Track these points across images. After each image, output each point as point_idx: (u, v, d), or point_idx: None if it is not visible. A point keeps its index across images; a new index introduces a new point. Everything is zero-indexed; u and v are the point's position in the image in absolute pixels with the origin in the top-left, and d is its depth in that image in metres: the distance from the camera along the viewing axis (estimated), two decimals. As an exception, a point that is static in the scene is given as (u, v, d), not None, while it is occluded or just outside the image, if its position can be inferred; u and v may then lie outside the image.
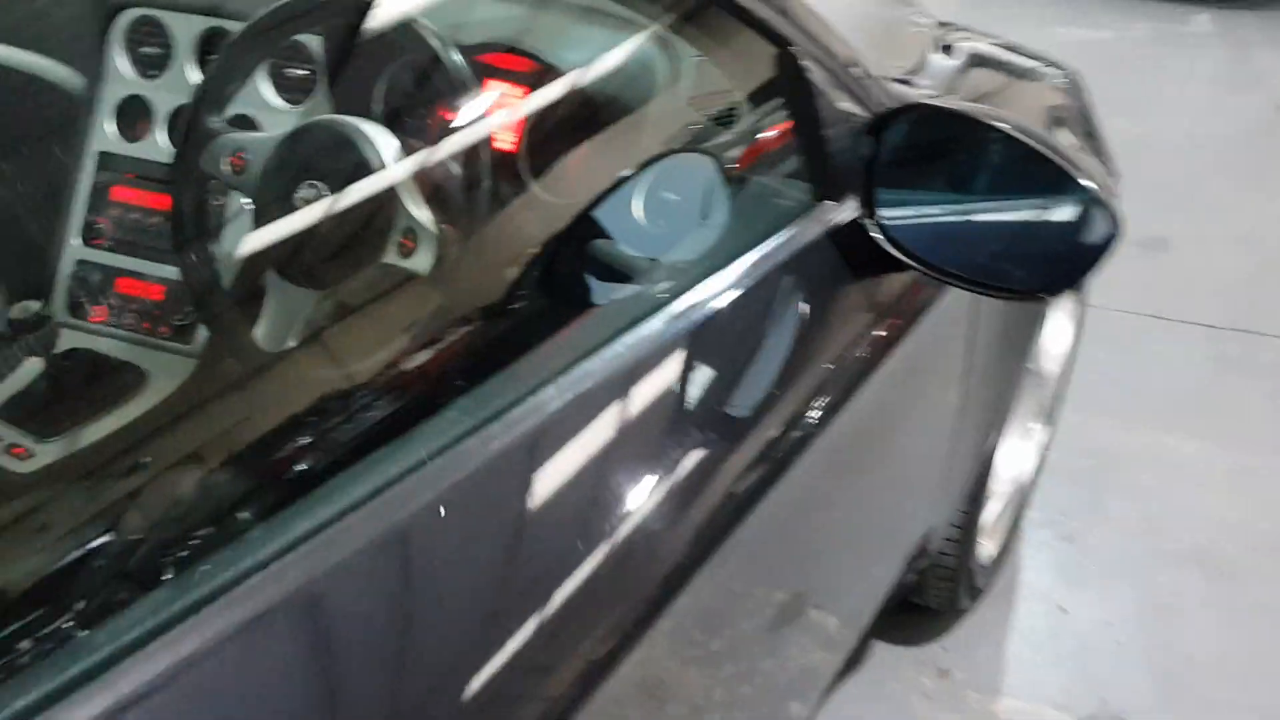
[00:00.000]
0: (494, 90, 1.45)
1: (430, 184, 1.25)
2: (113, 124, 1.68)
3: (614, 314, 1.12)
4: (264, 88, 1.47)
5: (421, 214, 1.24)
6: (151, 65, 1.65)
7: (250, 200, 1.32)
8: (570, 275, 1.26)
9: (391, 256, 1.25)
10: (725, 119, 1.44)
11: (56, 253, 1.71)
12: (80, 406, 1.63)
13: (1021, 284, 1.33)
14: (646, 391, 1.06)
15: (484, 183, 1.30)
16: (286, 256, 1.29)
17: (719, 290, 1.16)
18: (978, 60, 2.07)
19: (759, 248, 1.25)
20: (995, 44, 2.24)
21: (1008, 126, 1.28)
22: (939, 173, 1.36)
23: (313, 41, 1.53)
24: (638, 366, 1.05)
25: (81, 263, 1.69)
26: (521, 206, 1.46)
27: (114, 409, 1.61)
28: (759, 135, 1.43)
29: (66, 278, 1.70)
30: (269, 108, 1.52)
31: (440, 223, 1.23)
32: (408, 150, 1.26)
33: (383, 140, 1.25)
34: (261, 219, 1.30)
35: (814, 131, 1.31)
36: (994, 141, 1.30)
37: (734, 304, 1.17)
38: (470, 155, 1.29)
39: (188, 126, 1.35)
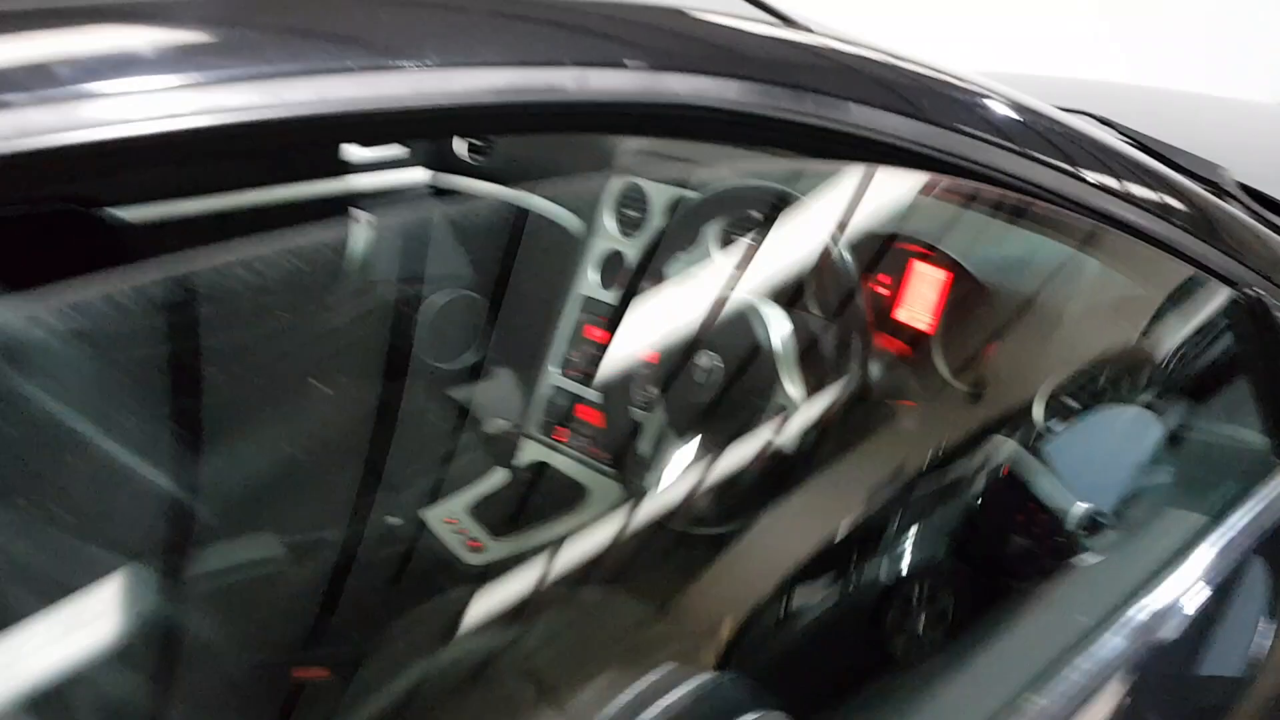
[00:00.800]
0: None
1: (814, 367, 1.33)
2: (596, 273, 1.94)
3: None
4: (713, 247, 1.64)
5: (795, 393, 1.31)
6: (630, 225, 1.89)
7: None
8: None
9: (764, 427, 1.34)
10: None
11: (536, 377, 2.01)
12: (531, 512, 1.89)
13: None
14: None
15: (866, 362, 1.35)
16: (678, 416, 1.43)
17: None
18: None
19: (1224, 523, 1.13)
20: None
21: None
22: None
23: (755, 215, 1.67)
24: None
25: (556, 389, 1.96)
26: (932, 389, 1.48)
27: (557, 518, 1.85)
28: (1190, 373, 1.31)
29: (542, 399, 1.99)
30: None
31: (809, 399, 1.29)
32: (799, 334, 1.35)
33: (776, 321, 1.35)
34: (665, 384, 1.45)
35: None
36: None
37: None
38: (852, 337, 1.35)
39: (630, 281, 1.54)
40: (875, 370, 1.42)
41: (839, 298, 1.30)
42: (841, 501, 1.45)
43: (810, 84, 0.70)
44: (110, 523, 1.17)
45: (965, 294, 1.36)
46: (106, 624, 1.09)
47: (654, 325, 1.50)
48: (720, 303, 1.44)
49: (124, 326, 0.92)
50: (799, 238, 1.34)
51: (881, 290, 1.59)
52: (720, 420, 1.39)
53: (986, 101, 0.84)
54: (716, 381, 1.37)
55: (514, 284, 2.46)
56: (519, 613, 1.60)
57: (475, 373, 2.52)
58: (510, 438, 1.89)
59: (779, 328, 1.36)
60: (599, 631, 1.51)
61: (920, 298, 1.49)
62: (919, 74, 0.80)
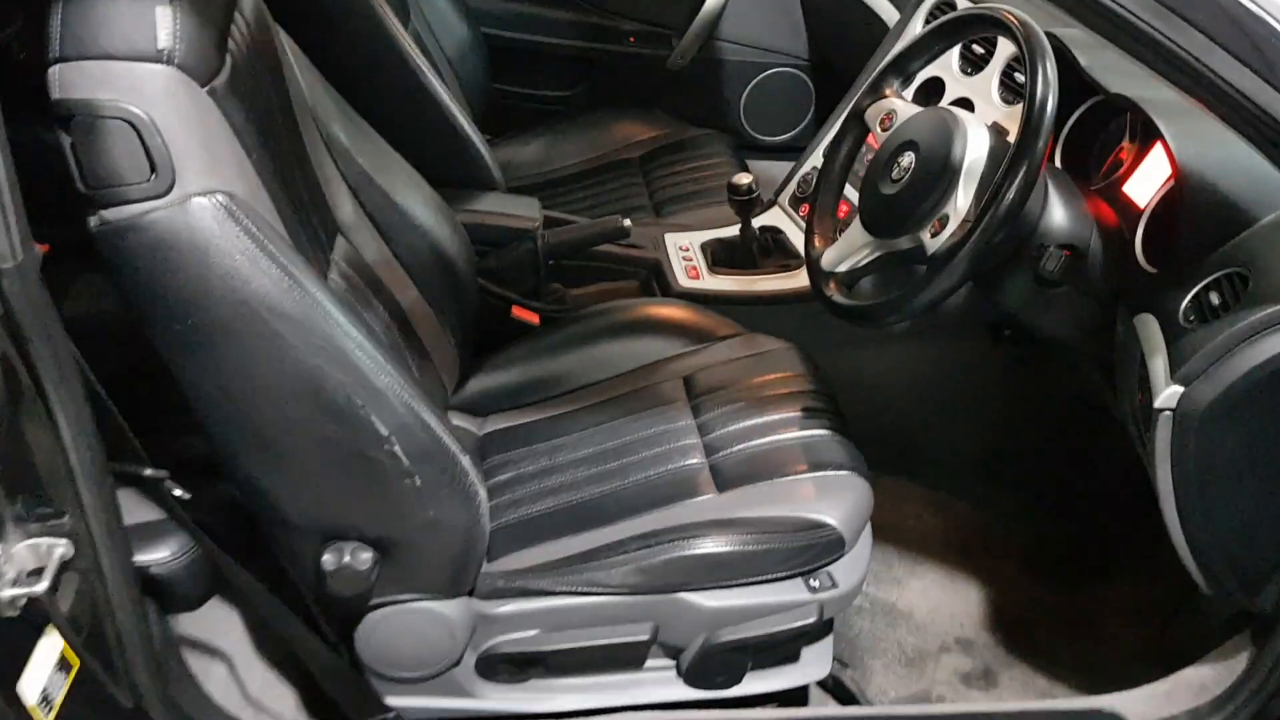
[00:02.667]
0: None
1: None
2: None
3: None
4: (954, 61, 1.64)
5: (962, 204, 1.36)
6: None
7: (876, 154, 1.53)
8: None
9: (926, 233, 1.39)
10: None
11: (802, 156, 2.13)
12: (747, 264, 2.07)
13: None
14: None
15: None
16: (869, 202, 1.50)
17: None
18: None
19: None
20: None
21: None
22: None
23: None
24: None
25: (814, 168, 2.06)
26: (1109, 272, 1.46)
27: (769, 275, 2.03)
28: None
29: (797, 175, 2.11)
30: (953, 75, 1.68)
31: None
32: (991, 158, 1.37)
33: (975, 135, 1.38)
34: (871, 172, 1.51)
35: None
36: None
37: None
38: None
39: (875, 79, 1.59)
40: (1059, 219, 1.42)
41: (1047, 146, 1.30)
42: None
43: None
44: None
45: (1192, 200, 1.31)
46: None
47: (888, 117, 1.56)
48: (941, 110, 1.48)
49: None
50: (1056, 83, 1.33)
51: (1122, 156, 1.55)
52: (894, 213, 1.45)
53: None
54: (904, 179, 1.43)
55: (833, 65, 2.53)
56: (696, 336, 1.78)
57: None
58: (759, 201, 2.02)
59: (977, 145, 1.38)
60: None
61: (1149, 180, 1.45)
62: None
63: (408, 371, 1.45)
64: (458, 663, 1.45)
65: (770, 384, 1.68)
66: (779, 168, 2.27)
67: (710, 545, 1.42)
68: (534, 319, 1.91)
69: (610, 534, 1.46)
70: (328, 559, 1.28)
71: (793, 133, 2.68)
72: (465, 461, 1.29)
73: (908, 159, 1.44)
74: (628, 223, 1.95)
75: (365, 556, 1.28)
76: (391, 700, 1.47)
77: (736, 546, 1.42)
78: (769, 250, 2.04)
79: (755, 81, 2.65)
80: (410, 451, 1.23)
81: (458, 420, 1.75)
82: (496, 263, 1.89)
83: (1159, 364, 1.27)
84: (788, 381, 1.67)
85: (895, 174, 1.45)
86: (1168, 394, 1.24)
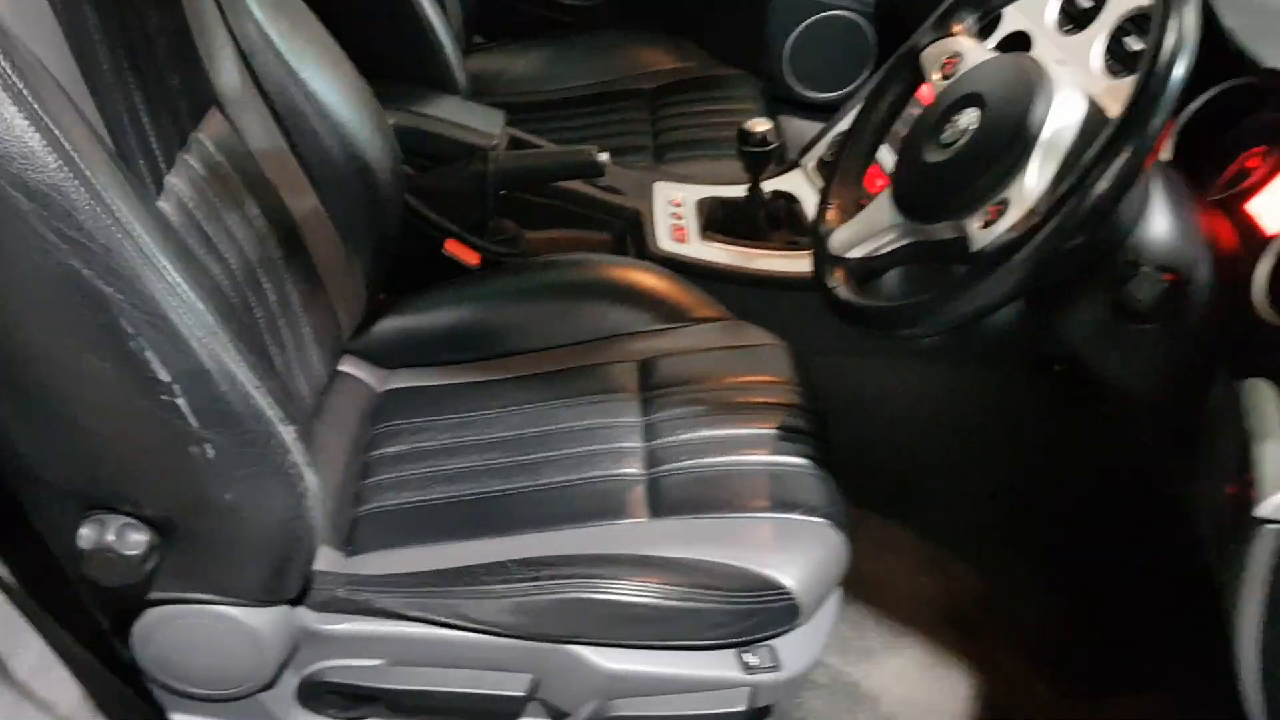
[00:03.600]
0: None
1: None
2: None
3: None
4: (1049, 12, 1.24)
5: (1032, 187, 0.98)
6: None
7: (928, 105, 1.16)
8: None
9: (975, 221, 1.02)
10: None
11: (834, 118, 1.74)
12: (743, 232, 1.70)
13: None
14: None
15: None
16: (906, 175, 1.13)
17: None
18: None
19: None
20: None
21: None
22: None
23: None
24: None
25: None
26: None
27: (763, 248, 1.66)
28: None
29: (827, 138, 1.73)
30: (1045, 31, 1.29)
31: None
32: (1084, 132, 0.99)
33: (1066, 96, 1.00)
34: (917, 131, 1.14)
35: None
36: None
37: None
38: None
39: (944, 10, 1.21)
40: (1161, 232, 1.03)
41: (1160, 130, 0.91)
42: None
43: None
44: None
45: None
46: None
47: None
48: (1023, 58, 1.10)
49: None
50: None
51: (1251, 164, 1.16)
52: (937, 187, 1.07)
53: None
54: (957, 143, 1.05)
55: (904, 18, 2.12)
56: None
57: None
58: (777, 158, 1.63)
59: (1067, 110, 1.00)
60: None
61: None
62: None
63: (248, 303, 1.10)
64: (272, 684, 1.10)
65: (746, 387, 1.31)
66: (815, 130, 1.87)
67: (622, 590, 1.07)
68: (473, 259, 1.55)
69: (498, 548, 1.12)
70: (85, 533, 0.93)
71: (841, 91, 2.23)
72: (287, 435, 0.93)
73: (968, 117, 1.07)
74: (604, 156, 1.57)
75: (137, 539, 0.93)
76: (178, 718, 1.13)
77: (656, 598, 1.07)
78: (778, 221, 1.65)
79: (807, 23, 2.22)
80: (201, 410, 0.87)
81: (352, 368, 1.39)
82: (436, 183, 1.52)
83: (1271, 454, 0.91)
84: (768, 388, 1.31)
85: (948, 135, 1.08)
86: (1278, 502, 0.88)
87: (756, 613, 1.09)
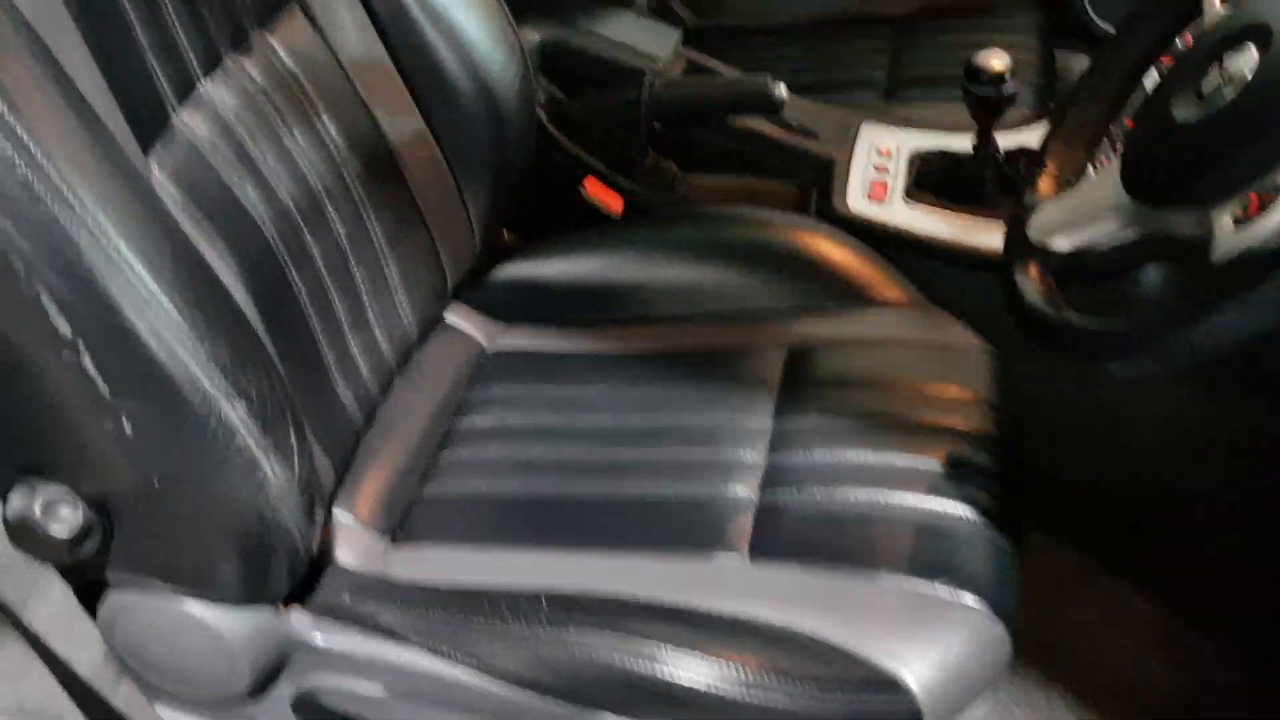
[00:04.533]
0: None
1: None
2: None
3: None
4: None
5: None
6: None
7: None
8: None
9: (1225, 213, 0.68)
10: None
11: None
12: None
13: None
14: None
15: None
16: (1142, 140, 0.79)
17: None
18: None
19: None
20: None
21: None
22: None
23: None
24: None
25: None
26: None
27: None
28: None
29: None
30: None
31: None
32: None
33: None
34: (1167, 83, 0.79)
35: None
36: None
37: None
38: None
39: None
40: None
41: None
42: None
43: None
44: None
45: None
46: None
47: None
48: None
49: None
50: None
51: None
52: (1182, 161, 0.73)
53: None
54: (1221, 97, 0.70)
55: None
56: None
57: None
58: (1015, 104, 1.28)
59: None
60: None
61: None
62: None
63: (301, 238, 0.92)
64: (261, 693, 0.93)
65: (921, 401, 1.02)
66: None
67: (677, 666, 0.81)
68: (615, 203, 1.30)
69: (552, 567, 0.91)
70: (13, 500, 0.78)
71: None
72: (233, 414, 0.73)
73: (1241, 62, 0.72)
74: (781, 88, 1.27)
75: (67, 514, 0.77)
76: (162, 710, 0.98)
77: (722, 683, 0.81)
78: (1010, 184, 1.30)
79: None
80: (111, 374, 0.69)
81: (460, 318, 1.20)
82: (583, 111, 1.27)
83: None
84: (952, 407, 1.01)
85: (1208, 86, 0.74)
86: None
87: (858, 716, 0.81)
